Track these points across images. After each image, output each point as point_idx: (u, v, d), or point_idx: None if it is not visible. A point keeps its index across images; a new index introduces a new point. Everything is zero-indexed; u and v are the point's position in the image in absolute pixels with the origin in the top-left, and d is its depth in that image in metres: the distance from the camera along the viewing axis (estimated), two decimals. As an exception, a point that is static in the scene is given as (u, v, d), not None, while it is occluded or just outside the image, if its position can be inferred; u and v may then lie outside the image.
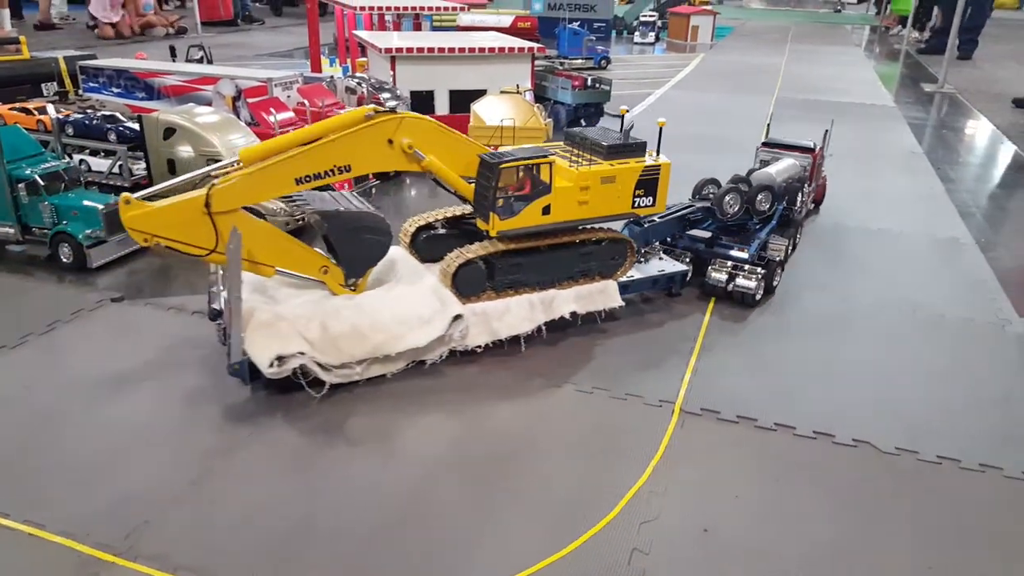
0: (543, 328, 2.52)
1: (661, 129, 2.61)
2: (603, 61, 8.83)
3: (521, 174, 2.35)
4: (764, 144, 3.57)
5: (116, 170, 3.49)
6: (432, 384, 2.29)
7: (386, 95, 4.65)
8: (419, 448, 2.02)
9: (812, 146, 3.48)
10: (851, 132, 5.74)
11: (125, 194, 2.07)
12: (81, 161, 3.67)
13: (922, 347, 2.57)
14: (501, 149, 2.50)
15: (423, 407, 2.18)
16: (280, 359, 2.06)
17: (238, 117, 3.85)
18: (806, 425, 2.11)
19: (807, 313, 2.81)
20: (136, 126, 3.49)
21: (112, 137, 3.65)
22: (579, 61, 8.59)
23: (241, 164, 2.20)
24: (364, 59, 6.01)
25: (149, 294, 2.88)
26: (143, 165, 3.47)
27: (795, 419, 2.14)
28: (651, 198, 2.56)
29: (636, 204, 2.54)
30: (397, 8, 6.84)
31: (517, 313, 2.45)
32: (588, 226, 2.55)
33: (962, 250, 3.44)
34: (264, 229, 2.16)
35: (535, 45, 5.36)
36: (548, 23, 9.72)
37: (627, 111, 2.73)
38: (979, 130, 6.26)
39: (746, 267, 2.80)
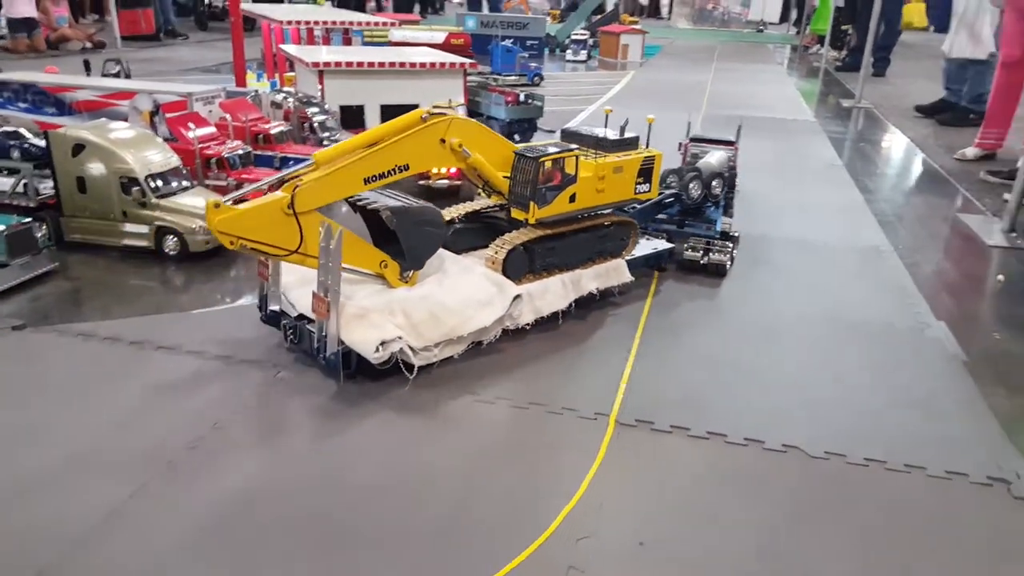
0: (572, 305, 2.73)
1: (650, 125, 2.93)
2: (536, 78, 8.89)
3: (553, 166, 2.53)
4: (692, 139, 3.77)
5: (20, 189, 3.26)
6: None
7: (314, 110, 4.56)
8: (350, 469, 1.95)
9: (734, 140, 3.75)
10: (775, 146, 5.90)
11: (213, 198, 2.11)
12: (-18, 180, 3.45)
13: (847, 352, 2.64)
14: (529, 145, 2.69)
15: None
16: (383, 344, 2.16)
17: (155, 132, 3.70)
18: (737, 432, 2.13)
19: (737, 321, 2.86)
20: (43, 143, 3.30)
21: (16, 154, 3.44)
22: (512, 78, 8.59)
23: (315, 166, 2.25)
24: (292, 74, 5.91)
25: (56, 320, 2.72)
26: (51, 184, 3.27)
27: (726, 427, 2.15)
28: (648, 185, 2.86)
29: (637, 191, 2.83)
30: (326, 23, 6.75)
31: (555, 292, 2.66)
32: (602, 211, 2.81)
33: (882, 257, 3.55)
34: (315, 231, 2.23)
35: (468, 61, 5.34)
36: (481, 40, 9.74)
37: (611, 111, 3.06)
38: (893, 142, 6.53)
39: (716, 243, 3.15)
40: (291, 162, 4.10)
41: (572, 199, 2.62)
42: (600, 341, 2.68)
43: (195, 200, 3.28)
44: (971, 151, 5.70)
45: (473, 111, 5.64)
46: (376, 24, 7.27)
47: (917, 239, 3.88)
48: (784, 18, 20.61)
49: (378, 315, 2.27)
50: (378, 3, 18.08)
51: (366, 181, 2.32)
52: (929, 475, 1.97)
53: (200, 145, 3.61)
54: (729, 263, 3.19)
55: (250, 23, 10.51)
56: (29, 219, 3.03)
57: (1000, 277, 3.42)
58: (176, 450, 1.99)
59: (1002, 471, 1.99)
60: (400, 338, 2.24)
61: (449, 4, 22.45)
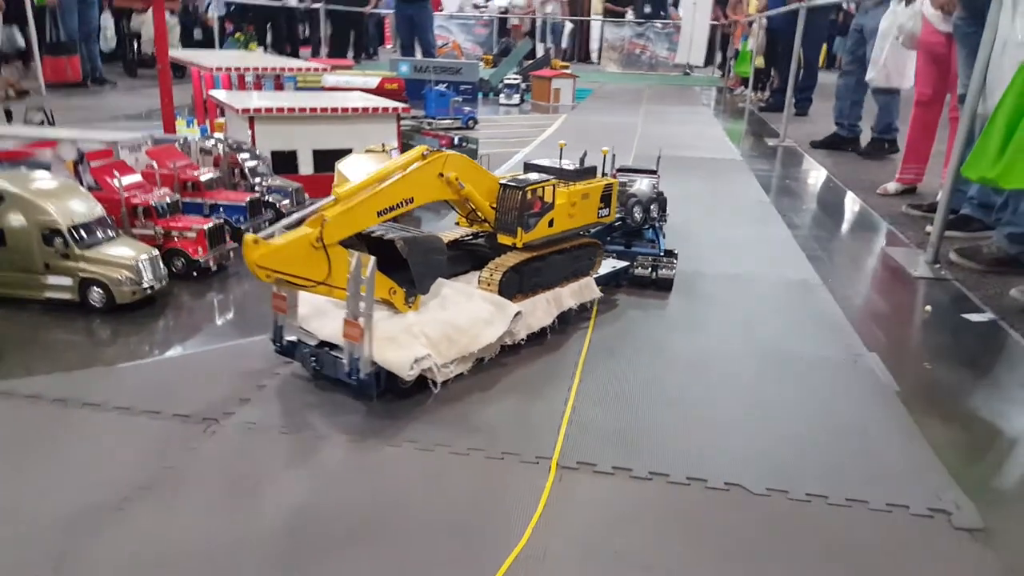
0: (556, 321, 2.91)
1: (605, 156, 3.28)
2: (471, 121, 8.97)
3: (535, 195, 2.73)
4: (619, 170, 3.98)
5: (-66, 242, 3.08)
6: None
7: (244, 155, 4.49)
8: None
9: (655, 169, 4.01)
10: (704, 185, 6.04)
11: (251, 235, 2.19)
12: None
13: (783, 387, 2.67)
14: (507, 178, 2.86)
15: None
16: (416, 362, 2.29)
17: (80, 182, 3.58)
18: (679, 472, 2.12)
19: (674, 356, 2.89)
20: (-42, 194, 3.14)
21: (-70, 207, 3.26)
22: (447, 121, 8.69)
23: (336, 201, 2.39)
24: (222, 120, 5.82)
25: (-28, 379, 2.57)
26: (-35, 236, 3.10)
27: (668, 466, 2.14)
28: (608, 209, 3.13)
29: (600, 215, 3.10)
30: (257, 69, 6.70)
31: (542, 309, 2.86)
32: (573, 234, 3.03)
33: (812, 291, 3.64)
34: (346, 258, 2.35)
35: (401, 105, 5.36)
36: (415, 85, 9.79)
37: (564, 144, 3.26)
38: (818, 179, 6.78)
39: (663, 260, 3.46)
40: (220, 209, 4.03)
41: (550, 224, 2.85)
42: (540, 378, 2.67)
43: (121, 250, 3.17)
44: (892, 186, 5.96)
45: (408, 155, 5.63)
46: (309, 69, 7.24)
47: (845, 272, 4.00)
48: (709, 61, 21.38)
49: (405, 337, 2.41)
50: (314, 49, 18.10)
51: (379, 214, 2.47)
52: (871, 508, 1.98)
53: (126, 194, 3.50)
54: (673, 277, 3.52)
55: (180, 70, 10.39)
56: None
57: (927, 308, 3.54)
58: (101, 513, 1.88)
59: (942, 502, 2.02)
60: (429, 356, 2.37)
61: (383, 49, 22.63)
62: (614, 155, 3.52)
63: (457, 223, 3.10)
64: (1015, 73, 3.34)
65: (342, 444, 2.23)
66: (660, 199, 3.74)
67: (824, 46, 17.98)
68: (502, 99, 12.08)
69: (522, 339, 2.82)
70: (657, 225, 3.75)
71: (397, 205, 2.51)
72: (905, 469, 2.18)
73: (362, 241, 2.64)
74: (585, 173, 3.04)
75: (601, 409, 2.47)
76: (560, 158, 3.13)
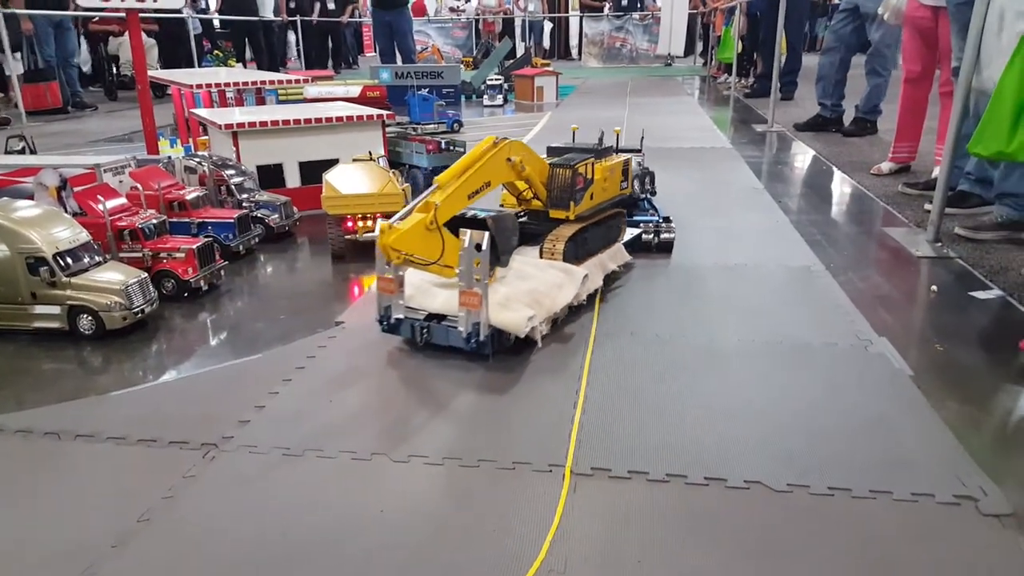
0: (560, 319, 3.01)
1: (618, 135, 3.92)
2: (456, 124, 8.90)
3: (581, 172, 3.09)
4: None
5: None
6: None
7: (230, 171, 4.42)
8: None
9: (640, 148, 4.29)
10: (695, 175, 5.98)
11: (385, 222, 2.45)
12: None
13: (794, 377, 2.61)
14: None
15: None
16: (528, 319, 2.66)
17: (64, 208, 3.51)
18: (697, 472, 2.05)
19: (679, 350, 2.82)
20: (-59, 226, 3.07)
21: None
22: (432, 126, 8.61)
23: (439, 188, 2.65)
24: (205, 137, 5.75)
25: (-36, 414, 2.49)
26: (-51, 268, 3.02)
27: (685, 467, 2.08)
28: (627, 183, 3.54)
29: (622, 187, 3.49)
30: (237, 84, 6.62)
31: (593, 272, 3.15)
32: (608, 205, 3.40)
33: (815, 277, 3.57)
34: (453, 241, 2.61)
35: (385, 112, 5.30)
36: (397, 91, 9.73)
37: (577, 128, 3.74)
38: (809, 162, 6.73)
39: (663, 225, 3.84)
40: (209, 227, 3.96)
41: (591, 197, 3.23)
42: (546, 381, 2.61)
43: (109, 275, 3.10)
44: (886, 166, 5.91)
45: (394, 162, 5.58)
46: (290, 82, 7.17)
47: (846, 256, 3.93)
48: (690, 50, 21.35)
49: (514, 302, 2.72)
50: (306, 60, 18.06)
51: (468, 196, 2.75)
52: (895, 499, 1.92)
53: (111, 217, 3.42)
54: (673, 239, 3.92)
55: (160, 89, 10.30)
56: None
57: (933, 288, 3.47)
58: (98, 550, 1.81)
59: (967, 488, 1.96)
60: (535, 315, 2.69)
61: (362, 58, 22.56)
62: (617, 135, 3.90)
63: (501, 204, 3.34)
64: (1018, 43, 3.26)
65: (347, 463, 2.16)
66: (649, 173, 4.21)
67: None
68: (485, 100, 12.00)
69: (583, 300, 3.10)
70: (648, 197, 4.17)
71: (481, 188, 2.81)
72: (927, 456, 2.12)
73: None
74: (606, 152, 3.45)
75: (611, 411, 2.40)
76: (573, 140, 3.53)
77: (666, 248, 3.88)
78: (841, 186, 5.76)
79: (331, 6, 18.53)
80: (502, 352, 2.77)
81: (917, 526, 1.84)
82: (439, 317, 2.77)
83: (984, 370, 2.70)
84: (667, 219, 4.00)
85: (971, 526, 1.83)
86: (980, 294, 3.35)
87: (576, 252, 3.17)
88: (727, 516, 1.89)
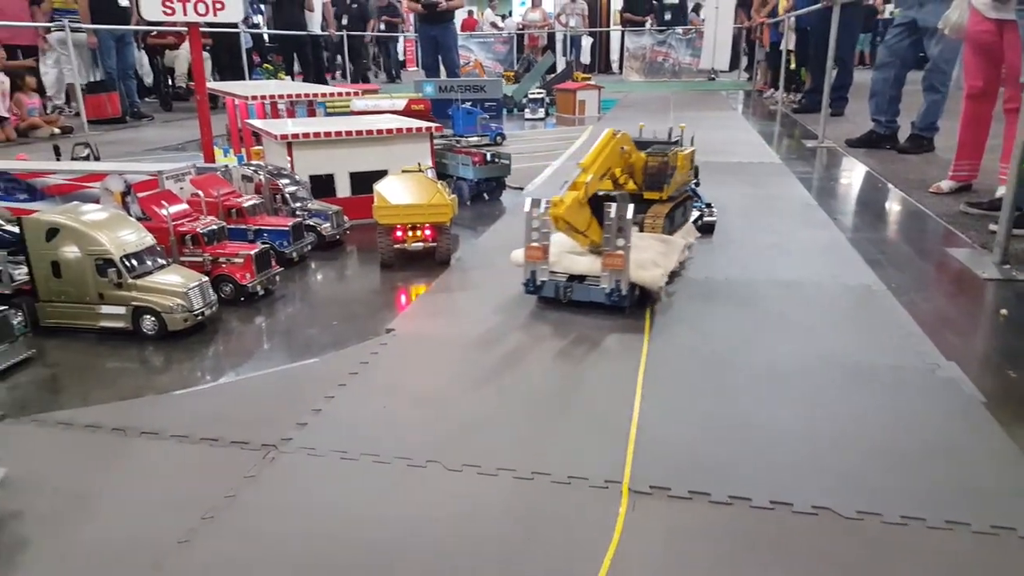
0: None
1: (682, 131, 4.22)
2: (498, 137, 8.93)
3: (671, 159, 3.71)
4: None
5: (-6, 277, 3.12)
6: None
7: (285, 180, 4.49)
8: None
9: (678, 140, 4.27)
10: (746, 190, 5.89)
11: (557, 196, 3.03)
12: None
13: (859, 400, 2.52)
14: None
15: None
16: (663, 276, 3.27)
17: (128, 212, 3.60)
18: (761, 495, 1.99)
19: (737, 369, 2.74)
20: (16, 229, 3.20)
21: (-12, 243, 3.31)
22: (475, 138, 8.65)
23: (585, 171, 3.16)
24: (259, 147, 5.84)
25: (35, 409, 2.56)
26: (25, 270, 3.16)
27: (748, 489, 2.02)
28: (694, 170, 4.31)
29: (689, 175, 4.17)
30: (289, 96, 6.72)
31: (682, 243, 3.77)
32: (685, 188, 4.12)
33: (876, 297, 3.47)
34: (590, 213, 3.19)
35: (433, 125, 5.34)
36: (441, 104, 9.79)
37: (644, 126, 4.12)
38: (864, 179, 6.59)
39: (707, 209, 4.58)
40: (264, 234, 4.03)
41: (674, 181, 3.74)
42: (599, 392, 2.58)
43: (171, 278, 3.17)
44: (946, 184, 5.72)
45: (441, 173, 5.60)
46: (338, 95, 7.26)
47: (908, 276, 3.82)
48: (734, 65, 21.17)
49: (648, 262, 3.21)
50: (359, 76, 18.47)
51: (601, 178, 3.25)
52: (974, 531, 1.84)
53: (174, 222, 3.49)
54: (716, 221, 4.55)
55: (213, 100, 10.51)
56: (4, 307, 2.93)
57: (1003, 311, 3.34)
58: (164, 546, 1.83)
59: (1049, 522, 1.87)
60: (665, 274, 3.27)
61: (404, 72, 22.82)
62: (682, 131, 4.21)
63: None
64: None
65: (402, 469, 2.16)
66: (695, 166, 4.50)
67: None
68: (527, 114, 12.04)
69: (677, 268, 3.59)
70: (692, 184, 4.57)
71: (607, 172, 3.33)
72: (1003, 486, 2.03)
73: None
74: (675, 143, 3.97)
75: (668, 426, 2.36)
76: (640, 135, 3.98)
77: (708, 230, 4.46)
78: (898, 204, 5.62)
79: (382, 27, 19.22)
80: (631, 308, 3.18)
81: (998, 561, 1.75)
82: (580, 278, 3.21)
83: (1059, 397, 2.59)
84: (709, 205, 4.63)
85: (1056, 563, 1.74)
86: (1053, 319, 3.23)
87: (670, 227, 3.74)
88: (795, 543, 1.82)
